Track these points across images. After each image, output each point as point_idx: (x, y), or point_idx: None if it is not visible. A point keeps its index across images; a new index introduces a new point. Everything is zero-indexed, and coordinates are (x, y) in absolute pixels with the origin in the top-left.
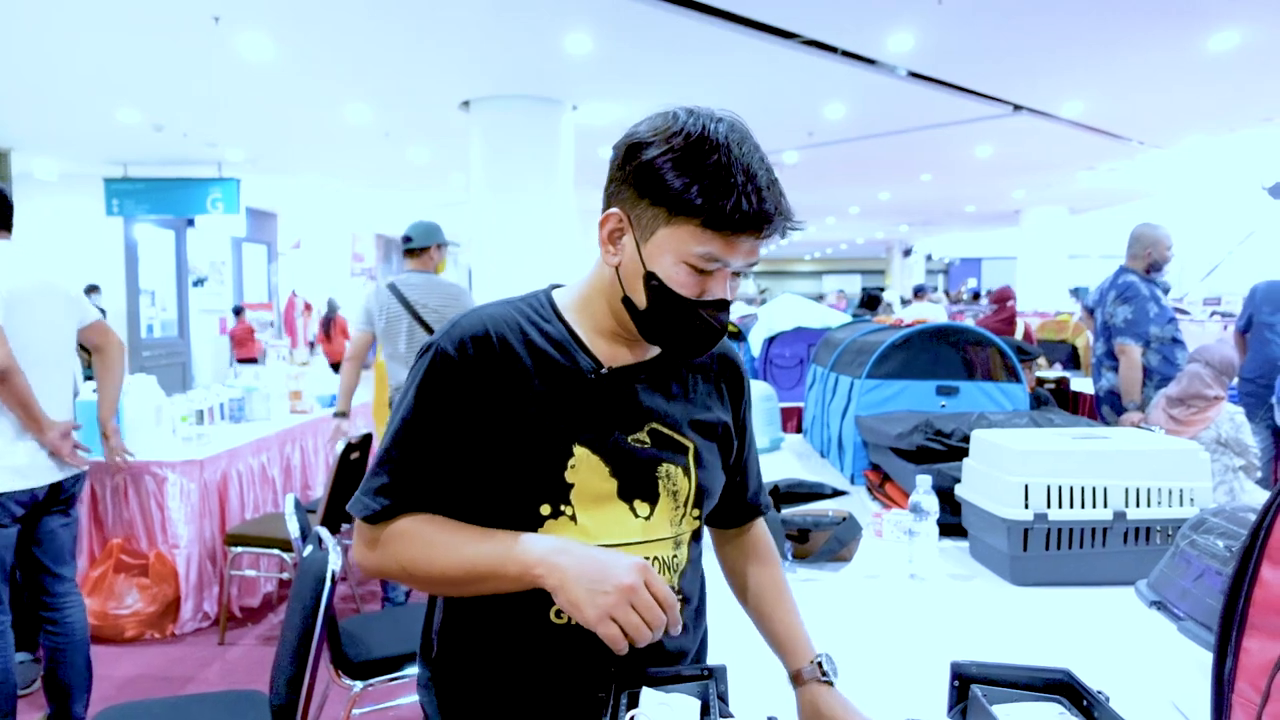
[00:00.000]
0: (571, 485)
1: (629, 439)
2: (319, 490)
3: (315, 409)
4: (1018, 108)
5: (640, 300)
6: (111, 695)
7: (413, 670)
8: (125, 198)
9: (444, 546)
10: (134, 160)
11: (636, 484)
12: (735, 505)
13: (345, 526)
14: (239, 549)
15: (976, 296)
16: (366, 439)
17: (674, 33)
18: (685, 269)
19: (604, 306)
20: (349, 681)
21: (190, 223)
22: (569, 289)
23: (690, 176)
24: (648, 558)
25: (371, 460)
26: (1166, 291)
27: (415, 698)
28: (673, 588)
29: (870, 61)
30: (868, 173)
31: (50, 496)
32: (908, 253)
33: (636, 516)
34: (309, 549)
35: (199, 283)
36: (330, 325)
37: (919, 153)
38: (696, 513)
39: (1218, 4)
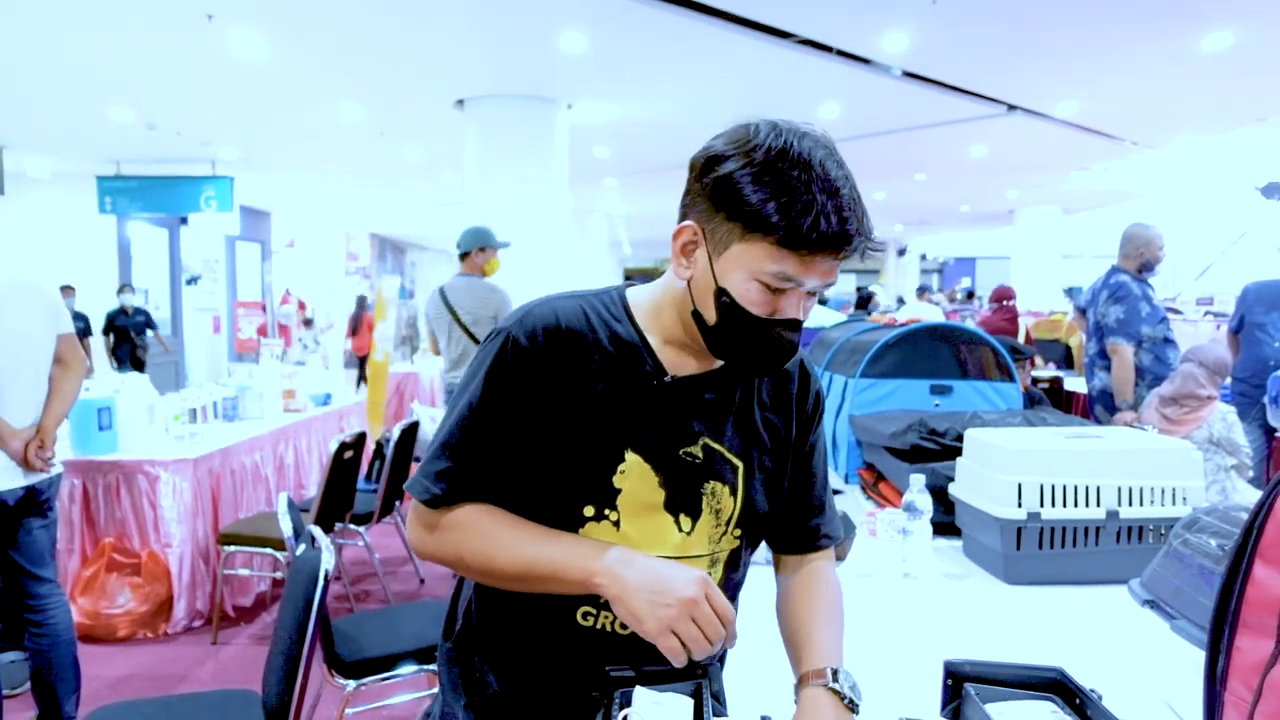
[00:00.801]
0: (619, 491)
1: (681, 451)
2: (312, 489)
3: (309, 407)
4: (1012, 107)
5: (710, 315)
6: (103, 695)
7: (406, 669)
8: (118, 196)
9: (504, 542)
10: (127, 158)
11: (683, 497)
12: (792, 529)
13: (339, 525)
14: (232, 548)
15: (971, 296)
16: (360, 437)
17: (669, 32)
18: (758, 287)
19: (674, 316)
20: (342, 681)
21: (184, 221)
22: (642, 290)
23: (768, 192)
24: None
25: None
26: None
27: (408, 697)
28: None
29: (865, 61)
30: (862, 172)
31: (25, 500)
32: (902, 252)
33: (680, 530)
34: (302, 548)
35: (192, 281)
36: (359, 322)
37: (913, 152)
38: (738, 532)
39: (1210, 5)
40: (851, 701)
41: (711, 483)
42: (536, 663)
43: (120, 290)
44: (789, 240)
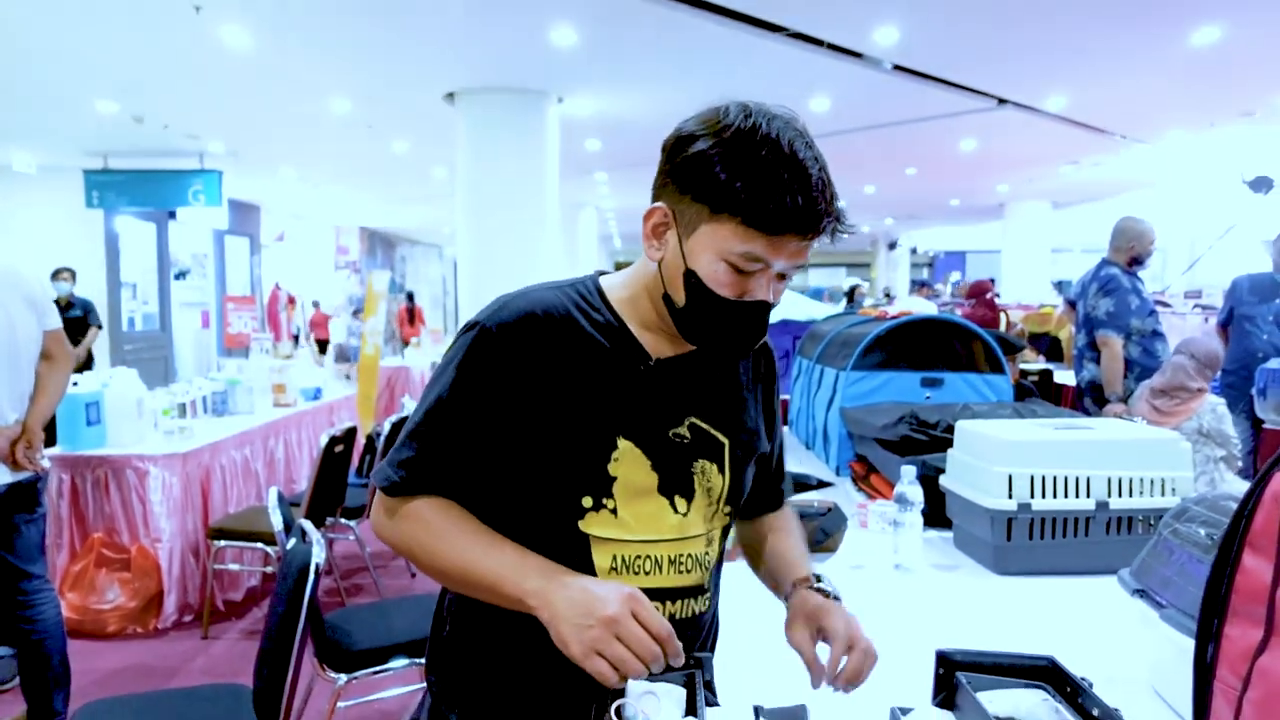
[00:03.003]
0: (614, 478)
1: (670, 433)
2: (303, 484)
3: (299, 402)
4: (1002, 101)
5: (679, 298)
6: (93, 690)
7: (398, 663)
8: (105, 190)
9: (451, 543)
10: (114, 152)
11: (676, 479)
12: (762, 496)
13: (329, 520)
14: (222, 543)
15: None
16: (350, 432)
17: (660, 25)
18: (726, 268)
19: (648, 300)
20: (333, 674)
21: (172, 215)
22: (615, 277)
23: (734, 172)
24: (682, 555)
25: (402, 431)
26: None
27: (399, 690)
28: (702, 586)
29: (856, 55)
30: (852, 166)
31: (11, 497)
32: (893, 246)
33: (676, 512)
34: (292, 542)
35: (181, 275)
36: (411, 314)
37: (904, 146)
38: (729, 509)
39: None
40: (835, 597)
41: (701, 461)
42: (521, 660)
43: (55, 276)
44: (756, 220)
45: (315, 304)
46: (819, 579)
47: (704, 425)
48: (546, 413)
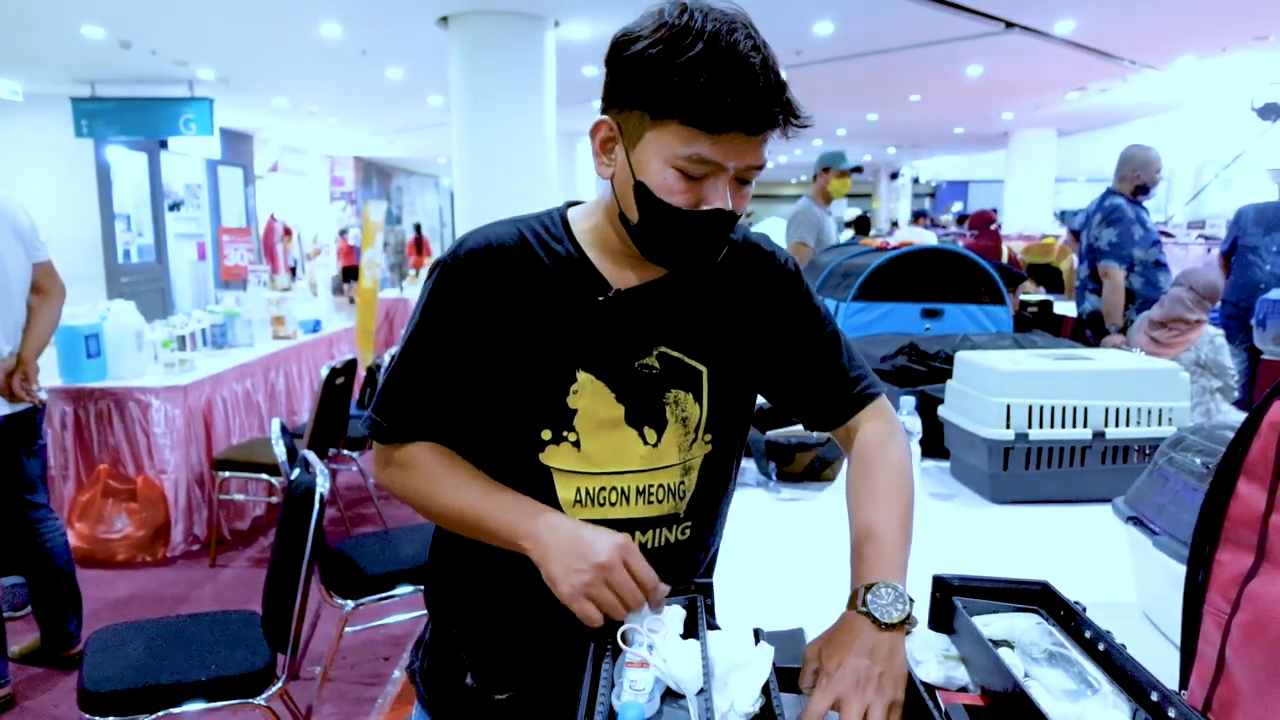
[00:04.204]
0: (575, 411)
1: (636, 364)
2: (304, 416)
3: (298, 334)
4: (1009, 25)
5: (633, 214)
6: (106, 616)
7: (402, 590)
8: (94, 119)
9: (446, 487)
10: (101, 79)
11: (645, 410)
12: (829, 405)
13: (332, 450)
14: (226, 473)
15: (963, 220)
16: (350, 364)
17: None
18: (675, 175)
19: (609, 225)
20: (340, 601)
21: (163, 145)
22: (582, 207)
23: (670, 71)
24: (653, 485)
25: (382, 376)
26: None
27: (404, 616)
28: (677, 514)
29: None
30: (856, 93)
31: (10, 428)
32: (895, 175)
33: (646, 444)
34: (296, 472)
35: (175, 207)
36: (419, 244)
37: (909, 73)
38: (709, 437)
39: None
40: (887, 625)
41: (673, 391)
42: (505, 595)
43: None
44: (697, 119)
45: (342, 233)
46: (866, 595)
47: (676, 354)
48: (503, 346)
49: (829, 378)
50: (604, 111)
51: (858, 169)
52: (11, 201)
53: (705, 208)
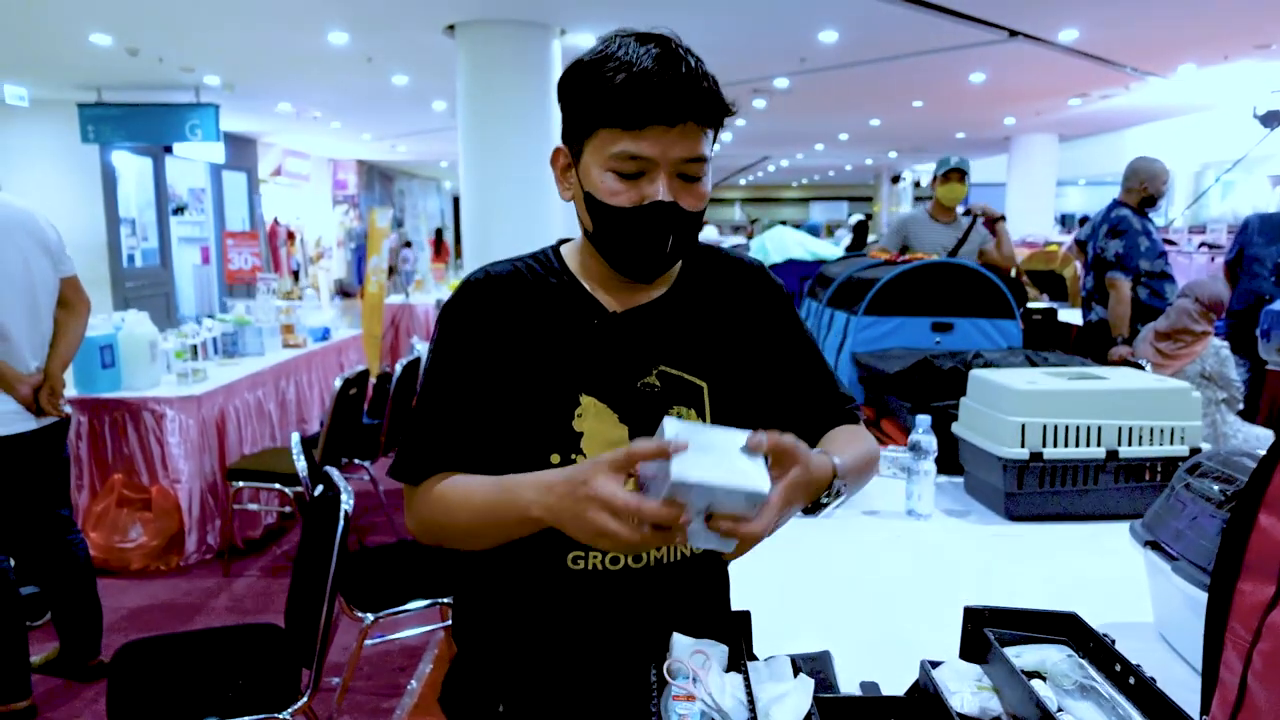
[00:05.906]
0: (581, 434)
1: (638, 384)
2: (315, 424)
3: (308, 342)
4: (1013, 33)
5: (589, 225)
6: (123, 625)
7: (418, 603)
8: (101, 124)
9: (459, 501)
10: (108, 86)
11: (648, 428)
12: (817, 416)
13: (345, 460)
14: (240, 483)
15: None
16: (363, 375)
17: None
18: (612, 177)
19: (591, 252)
20: (360, 614)
21: (168, 149)
22: (574, 242)
23: (592, 84)
24: None
25: (408, 421)
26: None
27: (421, 630)
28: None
29: None
30: (859, 99)
31: (36, 441)
32: (896, 179)
33: None
34: (319, 489)
35: (179, 211)
36: (439, 247)
37: (912, 79)
38: None
39: None
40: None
41: (676, 408)
42: (534, 614)
43: None
44: (615, 118)
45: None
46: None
47: (676, 372)
48: (508, 372)
49: (818, 391)
50: (562, 142)
51: (959, 171)
52: (40, 217)
53: (647, 203)
